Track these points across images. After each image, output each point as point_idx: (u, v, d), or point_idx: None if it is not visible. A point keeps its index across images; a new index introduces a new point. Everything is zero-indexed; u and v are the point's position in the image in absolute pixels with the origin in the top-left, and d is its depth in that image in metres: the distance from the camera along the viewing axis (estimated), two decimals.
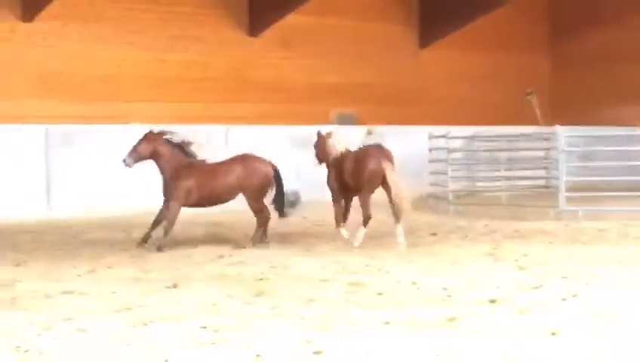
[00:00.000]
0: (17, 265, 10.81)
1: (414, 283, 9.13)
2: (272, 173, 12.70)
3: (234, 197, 12.70)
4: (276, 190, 12.78)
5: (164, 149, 12.40)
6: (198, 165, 12.53)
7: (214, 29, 20.01)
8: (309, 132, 19.90)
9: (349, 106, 21.73)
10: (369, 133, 20.82)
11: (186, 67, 19.59)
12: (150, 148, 12.39)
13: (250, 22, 20.52)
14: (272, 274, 9.88)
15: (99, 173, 17.10)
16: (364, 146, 12.98)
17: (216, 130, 18.80)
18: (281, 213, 12.98)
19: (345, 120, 21.52)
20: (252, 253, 11.60)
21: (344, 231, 12.61)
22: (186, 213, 13.07)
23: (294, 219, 14.61)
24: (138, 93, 18.89)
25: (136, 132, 17.54)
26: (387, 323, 7.21)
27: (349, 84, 21.53)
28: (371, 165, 12.27)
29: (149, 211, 16.69)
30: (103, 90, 18.49)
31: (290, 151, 18.85)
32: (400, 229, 12.18)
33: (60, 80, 18.04)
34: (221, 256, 11.41)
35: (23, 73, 17.64)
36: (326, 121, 21.36)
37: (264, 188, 12.70)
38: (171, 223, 12.34)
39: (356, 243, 12.20)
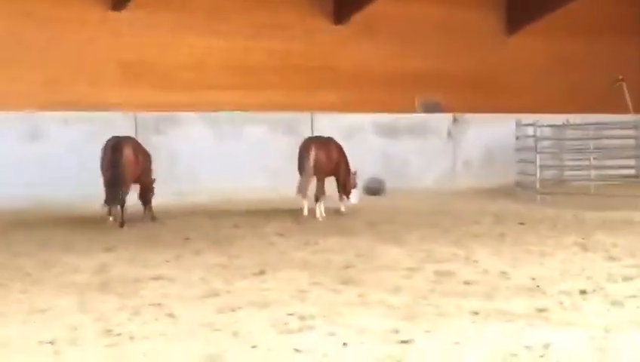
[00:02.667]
0: (107, 250, 11.01)
1: (503, 273, 9.01)
2: (106, 148, 13.37)
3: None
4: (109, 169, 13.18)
5: None
6: None
7: (300, 16, 19.99)
8: (394, 120, 19.99)
9: (434, 93, 21.53)
10: (455, 120, 20.74)
11: (270, 55, 19.61)
12: None
13: (336, 9, 20.43)
14: (358, 262, 9.86)
15: (186, 160, 17.32)
16: None
17: (301, 118, 18.87)
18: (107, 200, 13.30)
19: (430, 107, 21.36)
20: (338, 241, 11.61)
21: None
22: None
23: (381, 206, 14.65)
24: (224, 81, 19.00)
25: (223, 119, 17.97)
26: (476, 313, 7.12)
27: (434, 71, 21.29)
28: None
29: (234, 198, 16.93)
30: (189, 79, 18.65)
31: (376, 138, 18.82)
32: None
33: (147, 68, 18.25)
34: (306, 244, 11.45)
35: (111, 62, 17.89)
36: (411, 108, 21.24)
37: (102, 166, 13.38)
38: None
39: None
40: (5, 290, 8.40)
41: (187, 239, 12.11)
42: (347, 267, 9.58)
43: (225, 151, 17.77)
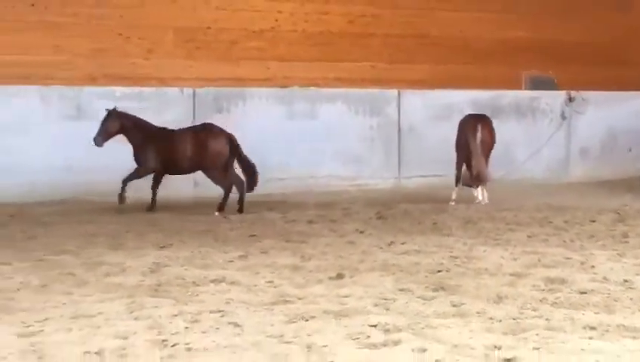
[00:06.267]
0: (161, 247, 11.17)
1: (625, 281, 8.91)
2: (225, 148, 14.93)
3: (194, 169, 15.28)
4: (240, 163, 15.08)
5: (129, 123, 14.90)
6: (162, 133, 15.06)
7: None
8: (496, 97, 19.83)
9: (545, 68, 21.28)
10: (570, 99, 20.48)
11: (351, 20, 19.60)
12: (117, 124, 14.81)
13: None
14: (452, 266, 9.83)
15: (252, 143, 17.41)
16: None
17: (386, 95, 18.84)
18: (249, 187, 15.05)
19: (540, 84, 21.12)
20: (429, 241, 11.59)
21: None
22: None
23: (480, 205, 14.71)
24: (297, 52, 19.06)
25: (295, 96, 18.04)
26: (592, 328, 7.07)
27: (546, 41, 21.01)
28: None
29: (307, 188, 16.99)
30: (256, 48, 18.74)
31: None
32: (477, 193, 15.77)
33: (210, 36, 18.39)
34: (391, 243, 11.45)
35: (168, 29, 18.06)
36: (517, 85, 21.04)
37: (217, 162, 14.92)
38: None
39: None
40: (47, 293, 8.57)
41: (253, 236, 12.20)
42: (439, 271, 9.56)
43: (297, 134, 17.83)
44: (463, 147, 15.68)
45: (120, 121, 14.77)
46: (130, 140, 14.94)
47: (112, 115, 14.74)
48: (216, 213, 14.48)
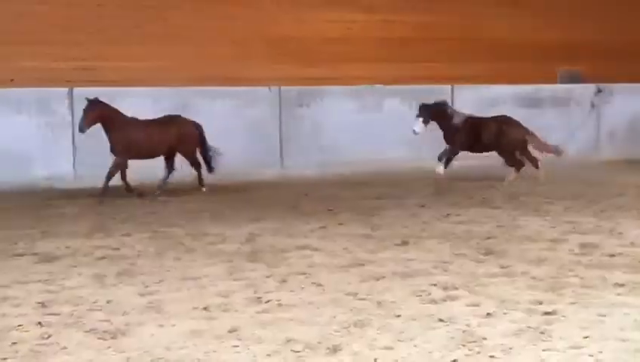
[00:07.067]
0: (255, 220, 11.22)
1: None
2: (197, 133, 14.45)
3: (167, 152, 14.33)
4: (203, 147, 14.52)
5: (108, 112, 13.72)
6: (136, 123, 14.08)
7: None
8: (536, 91, 19.58)
9: (576, 63, 20.95)
10: (599, 91, 20.13)
11: (413, 27, 19.49)
12: (96, 112, 13.56)
13: None
14: (500, 234, 9.77)
15: (329, 132, 17.46)
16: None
17: (442, 90, 18.71)
18: (209, 169, 14.58)
19: (571, 77, 20.79)
20: (479, 212, 11.52)
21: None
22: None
23: (522, 177, 14.59)
24: (366, 54, 19.01)
25: (364, 92, 18.03)
26: (621, 285, 6.98)
27: (577, 40, 20.68)
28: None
29: (376, 169, 16.97)
30: (332, 52, 18.74)
31: (517, 110, 18.47)
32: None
33: (293, 43, 18.43)
34: (448, 215, 11.39)
35: (258, 37, 18.14)
36: (552, 79, 20.75)
37: (195, 145, 14.47)
38: (112, 174, 13.81)
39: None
40: (161, 259, 8.70)
41: (331, 210, 12.20)
42: (489, 238, 9.51)
43: (366, 123, 17.81)
44: (520, 141, 15.43)
45: (99, 110, 13.51)
46: (107, 129, 13.70)
47: (93, 103, 13.53)
48: (203, 189, 14.34)
